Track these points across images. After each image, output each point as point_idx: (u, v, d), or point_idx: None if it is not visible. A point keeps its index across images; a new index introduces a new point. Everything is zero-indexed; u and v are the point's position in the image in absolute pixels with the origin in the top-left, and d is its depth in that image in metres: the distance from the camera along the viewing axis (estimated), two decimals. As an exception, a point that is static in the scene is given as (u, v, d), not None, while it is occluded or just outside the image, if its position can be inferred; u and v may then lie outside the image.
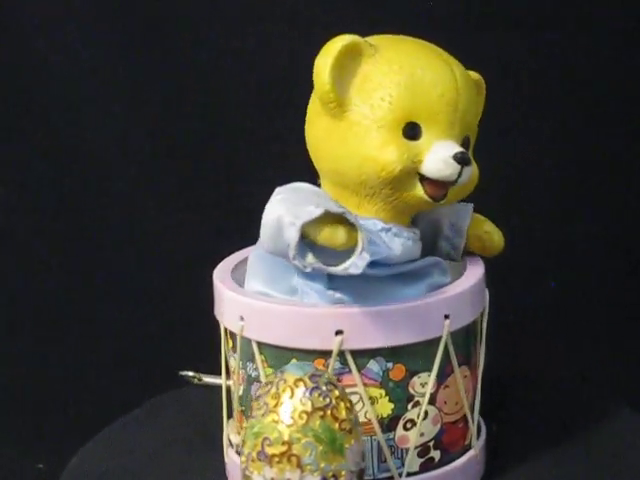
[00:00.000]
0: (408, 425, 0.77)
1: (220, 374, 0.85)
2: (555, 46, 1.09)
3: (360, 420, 0.72)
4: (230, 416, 0.85)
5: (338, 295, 0.76)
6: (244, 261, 0.86)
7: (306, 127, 0.79)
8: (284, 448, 0.67)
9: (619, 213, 1.16)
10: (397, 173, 0.74)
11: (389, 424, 0.77)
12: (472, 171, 0.76)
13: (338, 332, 0.74)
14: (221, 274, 0.84)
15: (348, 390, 0.73)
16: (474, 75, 0.80)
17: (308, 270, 0.72)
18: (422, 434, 0.78)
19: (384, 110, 0.74)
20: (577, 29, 1.09)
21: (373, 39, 0.77)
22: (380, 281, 0.76)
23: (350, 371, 0.75)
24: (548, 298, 1.18)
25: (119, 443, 0.91)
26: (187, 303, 1.12)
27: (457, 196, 0.78)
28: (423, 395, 0.77)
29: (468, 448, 0.82)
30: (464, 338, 0.79)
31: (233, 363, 0.82)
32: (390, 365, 0.76)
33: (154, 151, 1.20)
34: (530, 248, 1.14)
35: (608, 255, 1.17)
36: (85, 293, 1.24)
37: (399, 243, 0.77)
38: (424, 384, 0.77)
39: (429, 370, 0.77)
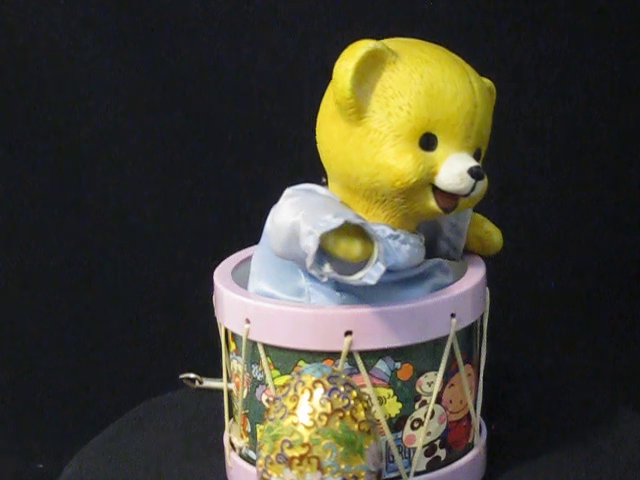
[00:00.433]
0: (415, 424, 0.77)
1: (217, 377, 0.84)
2: (555, 46, 1.10)
3: (369, 420, 0.72)
4: (230, 419, 0.84)
5: (345, 296, 0.76)
6: (243, 261, 0.85)
7: (318, 128, 0.79)
8: (304, 450, 0.67)
9: (619, 213, 1.18)
10: (412, 184, 0.73)
11: (397, 424, 0.77)
12: (484, 184, 0.76)
13: (347, 333, 0.74)
14: (222, 275, 0.83)
15: (357, 391, 0.73)
16: (487, 82, 0.79)
17: (324, 280, 0.71)
18: (429, 433, 0.78)
19: (402, 119, 0.73)
20: (578, 29, 1.11)
21: (392, 43, 0.76)
22: (384, 284, 0.76)
23: (359, 372, 0.75)
24: (548, 298, 1.19)
25: (115, 449, 0.90)
26: (187, 304, 1.12)
27: (465, 207, 0.78)
28: (430, 394, 0.77)
29: (471, 446, 0.82)
30: (467, 337, 0.80)
31: (236, 366, 0.81)
32: (398, 365, 0.76)
33: (155, 151, 1.19)
34: (530, 248, 1.15)
35: (608, 255, 1.18)
36: (85, 294, 1.24)
37: (406, 250, 0.77)
38: (431, 383, 0.77)
39: (436, 369, 0.77)
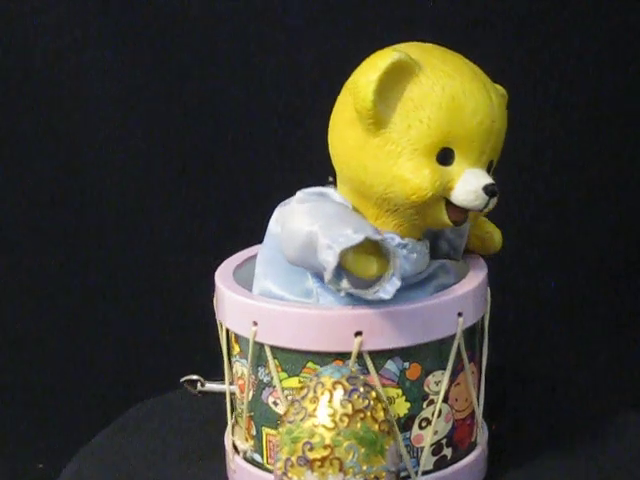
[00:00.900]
0: (423, 424, 0.78)
1: (216, 379, 0.83)
2: (555, 46, 1.11)
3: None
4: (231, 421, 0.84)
5: (352, 297, 0.76)
6: (244, 262, 0.85)
7: (332, 130, 0.78)
8: (326, 452, 0.67)
9: (619, 213, 1.19)
10: (427, 199, 0.73)
11: (405, 424, 0.77)
12: (496, 199, 0.75)
13: (357, 333, 0.74)
14: (223, 276, 0.82)
15: (366, 391, 0.73)
16: (500, 89, 0.79)
17: (342, 294, 0.72)
18: (436, 432, 0.78)
19: (421, 132, 0.73)
20: (578, 30, 1.12)
21: (411, 49, 0.75)
22: None
23: (368, 372, 0.75)
24: (548, 298, 1.20)
25: (112, 451, 0.90)
26: (187, 305, 1.12)
27: (474, 219, 0.79)
28: (437, 393, 0.78)
29: (474, 445, 0.83)
30: (470, 335, 0.80)
31: (240, 368, 0.81)
32: (407, 365, 0.76)
33: (155, 152, 1.19)
34: (530, 248, 1.15)
35: (608, 255, 1.19)
36: (85, 294, 1.23)
37: (413, 259, 0.77)
38: (438, 382, 0.77)
39: (442, 368, 0.77)
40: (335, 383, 0.68)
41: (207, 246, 1.12)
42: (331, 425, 0.67)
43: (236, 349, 0.81)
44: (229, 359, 0.83)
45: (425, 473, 0.78)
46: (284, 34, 1.11)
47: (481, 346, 0.83)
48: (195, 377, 0.83)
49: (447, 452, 0.80)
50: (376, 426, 0.68)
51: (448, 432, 0.79)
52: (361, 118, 0.73)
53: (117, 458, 0.88)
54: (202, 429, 0.91)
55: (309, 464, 0.67)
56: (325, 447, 0.67)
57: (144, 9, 1.13)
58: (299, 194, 0.77)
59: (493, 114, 0.75)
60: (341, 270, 0.70)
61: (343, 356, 0.75)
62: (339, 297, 0.76)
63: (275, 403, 0.78)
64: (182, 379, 0.83)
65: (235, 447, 0.83)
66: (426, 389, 0.77)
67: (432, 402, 0.77)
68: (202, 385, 0.83)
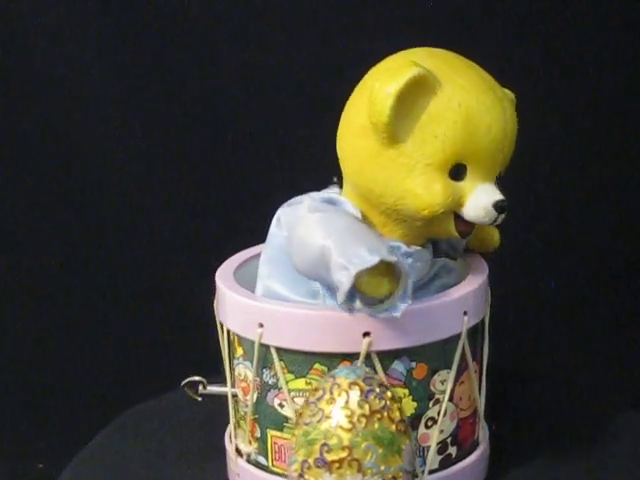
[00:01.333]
0: (429, 423, 0.78)
1: (216, 382, 0.83)
2: (555, 47, 1.11)
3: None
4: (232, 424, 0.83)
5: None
6: (245, 262, 0.85)
7: (342, 137, 0.77)
8: (344, 453, 0.66)
9: (619, 213, 1.19)
10: (438, 214, 0.73)
11: (412, 423, 0.76)
12: (505, 215, 0.76)
13: (366, 334, 0.74)
14: (224, 277, 0.82)
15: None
16: (509, 94, 0.78)
17: (353, 313, 0.72)
18: (441, 431, 0.78)
19: (435, 148, 0.72)
20: (578, 30, 1.12)
21: (426, 58, 0.74)
22: None
23: (376, 372, 0.75)
24: (548, 298, 1.20)
25: (110, 452, 0.89)
26: (187, 305, 1.11)
27: (480, 230, 0.79)
28: (443, 392, 0.78)
29: (477, 444, 0.83)
30: (474, 334, 0.81)
31: (243, 370, 0.80)
32: (414, 364, 0.76)
33: (155, 152, 1.18)
34: (530, 248, 1.16)
35: (608, 255, 1.20)
36: (85, 295, 1.22)
37: (417, 267, 0.77)
38: (444, 381, 0.78)
39: (448, 367, 0.78)
40: (351, 384, 0.68)
41: (207, 246, 1.12)
42: (349, 426, 0.66)
43: (239, 351, 0.80)
44: (230, 361, 0.82)
45: (431, 472, 0.79)
46: (284, 34, 1.10)
47: (482, 345, 0.83)
48: (198, 378, 0.82)
49: (452, 451, 0.80)
50: (393, 426, 0.68)
51: (453, 431, 0.79)
52: (376, 130, 0.73)
53: (117, 458, 0.88)
54: (202, 430, 0.91)
55: (327, 466, 0.66)
56: (343, 448, 0.66)
57: (144, 9, 1.12)
58: (307, 200, 0.77)
59: (506, 127, 0.74)
60: (354, 291, 0.70)
61: (351, 357, 0.75)
62: (345, 298, 0.76)
63: (281, 405, 0.77)
64: (183, 382, 0.82)
65: (238, 450, 0.82)
66: (432, 388, 0.77)
67: (438, 401, 0.78)
68: (204, 387, 0.82)
